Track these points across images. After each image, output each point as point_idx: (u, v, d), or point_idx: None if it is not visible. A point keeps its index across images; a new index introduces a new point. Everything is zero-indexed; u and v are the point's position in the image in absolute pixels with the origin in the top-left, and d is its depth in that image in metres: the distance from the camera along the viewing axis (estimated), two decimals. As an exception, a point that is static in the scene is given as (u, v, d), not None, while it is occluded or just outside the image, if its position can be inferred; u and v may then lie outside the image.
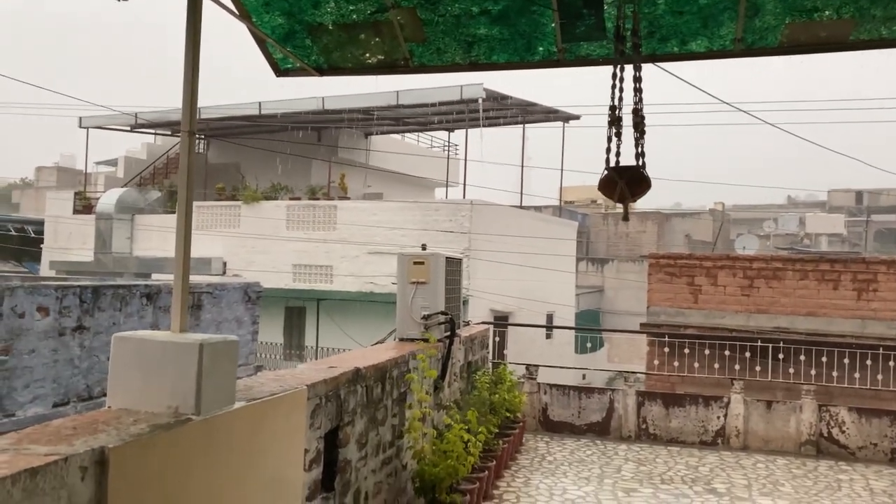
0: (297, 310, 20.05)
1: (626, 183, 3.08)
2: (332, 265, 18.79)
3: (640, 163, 3.10)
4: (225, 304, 9.22)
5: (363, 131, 24.13)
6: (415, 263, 6.43)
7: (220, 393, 2.84)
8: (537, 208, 28.92)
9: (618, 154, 3.11)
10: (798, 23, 3.75)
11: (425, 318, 6.28)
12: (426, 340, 5.97)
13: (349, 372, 4.35)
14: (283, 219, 19.70)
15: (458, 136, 26.22)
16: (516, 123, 23.29)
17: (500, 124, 23.11)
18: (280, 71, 4.69)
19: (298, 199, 20.42)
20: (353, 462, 4.36)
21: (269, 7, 4.14)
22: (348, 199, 20.04)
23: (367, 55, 4.43)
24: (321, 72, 4.59)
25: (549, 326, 19.91)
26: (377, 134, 24.90)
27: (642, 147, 3.10)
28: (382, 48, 4.32)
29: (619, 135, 3.13)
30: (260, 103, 21.04)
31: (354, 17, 4.12)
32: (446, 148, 26.41)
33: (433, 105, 19.72)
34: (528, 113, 22.05)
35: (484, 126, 20.63)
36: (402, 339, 6.31)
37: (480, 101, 18.67)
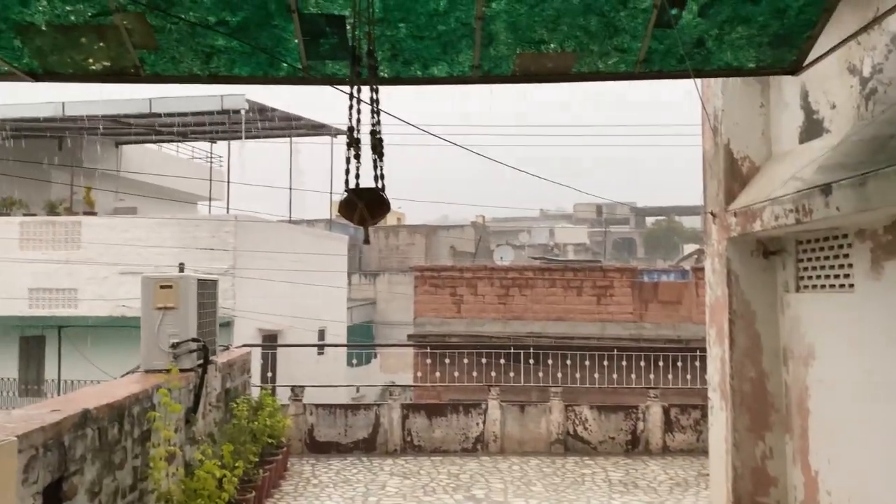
0: (34, 339, 17.86)
1: (365, 205, 3.04)
2: (77, 288, 17.01)
3: (380, 185, 3.08)
4: (-68, 339, 7.90)
5: (113, 140, 22.20)
6: (161, 287, 5.95)
7: None
8: (309, 222, 28.55)
9: (357, 176, 3.07)
10: (528, 53, 3.99)
11: (174, 346, 5.83)
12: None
13: (75, 415, 3.87)
14: (16, 237, 17.48)
15: (221, 147, 25.14)
16: (283, 136, 22.81)
17: (264, 137, 22.48)
18: (-17, 74, 4.09)
19: (35, 215, 18.26)
20: (82, 515, 3.88)
21: (-37, 0, 3.59)
22: (95, 214, 18.30)
23: (91, 61, 4.00)
24: (35, 77, 4.07)
25: (316, 345, 19.67)
26: (129, 143, 23.03)
27: (381, 169, 3.09)
28: (108, 54, 3.92)
29: (357, 156, 3.08)
30: (-15, 107, 18.53)
31: (72, 18, 3.70)
32: (209, 160, 25.13)
33: (192, 115, 18.67)
34: (294, 127, 21.68)
35: (248, 139, 19.94)
36: (147, 371, 5.80)
37: (243, 112, 18.02)
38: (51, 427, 3.63)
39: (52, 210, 18.51)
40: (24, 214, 18.45)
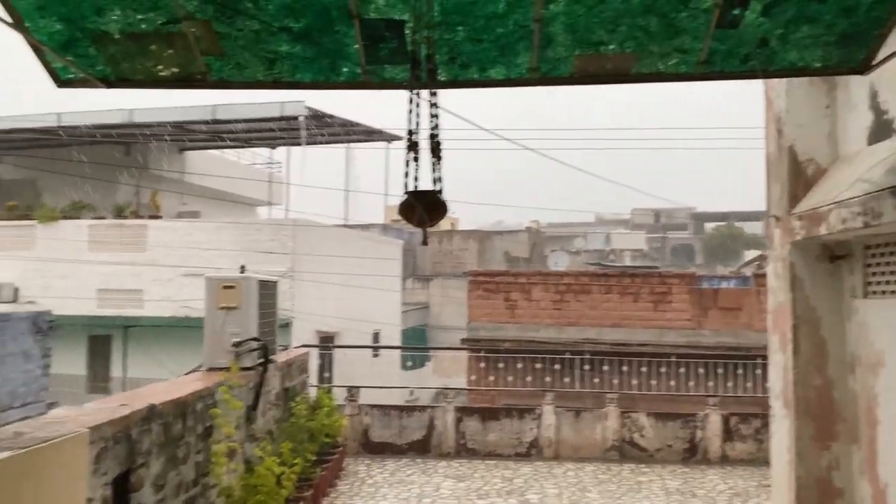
0: (102, 338, 18.52)
1: (424, 208, 3.08)
2: (143, 289, 17.59)
3: (438, 188, 3.12)
4: (9, 336, 8.27)
5: (177, 146, 22.89)
6: (224, 288, 6.11)
7: (-28, 446, 2.49)
8: (364, 227, 28.88)
9: (416, 178, 3.12)
10: (586, 55, 3.97)
11: (236, 345, 5.98)
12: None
13: (142, 410, 4.01)
14: (86, 240, 18.18)
15: (281, 153, 25.65)
16: (340, 142, 23.15)
17: (322, 143, 22.85)
18: (61, 81, 4.27)
19: (103, 218, 18.97)
20: (148, 507, 4.01)
21: (44, 11, 3.76)
22: (160, 218, 18.90)
23: (161, 67, 4.14)
24: (108, 83, 4.24)
25: (371, 346, 19.86)
26: (193, 149, 23.72)
27: (439, 172, 3.13)
28: (177, 61, 4.05)
29: (416, 159, 3.13)
30: (59, 114, 19.33)
31: (144, 26, 3.83)
32: (269, 166, 25.69)
33: (252, 121, 19.12)
34: (351, 132, 21.99)
35: (306, 144, 20.31)
36: (210, 370, 5.96)
37: (302, 118, 18.37)
38: (119, 420, 3.77)
39: (119, 213, 19.17)
40: (94, 218, 19.16)
